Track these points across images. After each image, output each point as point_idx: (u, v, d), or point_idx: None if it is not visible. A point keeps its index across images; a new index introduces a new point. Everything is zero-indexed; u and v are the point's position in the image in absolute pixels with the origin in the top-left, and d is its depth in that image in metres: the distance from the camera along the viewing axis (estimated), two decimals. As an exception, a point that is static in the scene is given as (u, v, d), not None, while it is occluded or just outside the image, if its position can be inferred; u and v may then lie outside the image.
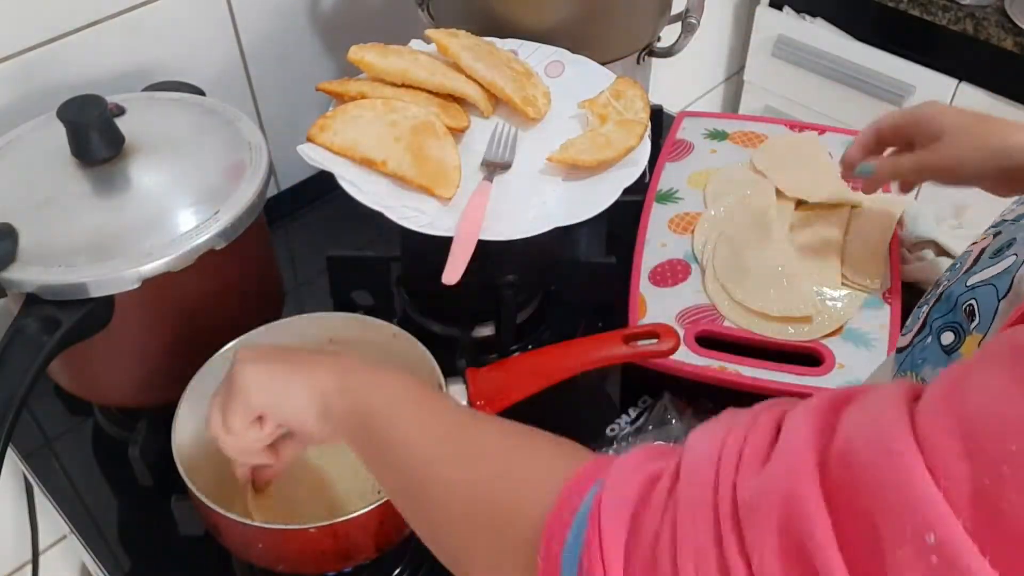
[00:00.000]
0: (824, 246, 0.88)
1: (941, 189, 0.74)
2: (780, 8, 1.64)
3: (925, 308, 0.50)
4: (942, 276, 0.52)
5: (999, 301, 0.40)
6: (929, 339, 0.46)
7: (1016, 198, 0.55)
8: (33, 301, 0.63)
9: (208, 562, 0.70)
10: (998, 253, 0.44)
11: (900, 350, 0.51)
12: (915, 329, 0.49)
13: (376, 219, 0.69)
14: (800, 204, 0.93)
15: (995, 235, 0.49)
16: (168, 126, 0.74)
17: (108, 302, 0.64)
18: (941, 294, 0.48)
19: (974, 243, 0.52)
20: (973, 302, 0.43)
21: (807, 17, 1.62)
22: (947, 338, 0.44)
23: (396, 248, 0.86)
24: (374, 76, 0.79)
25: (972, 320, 0.42)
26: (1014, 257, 0.42)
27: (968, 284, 0.44)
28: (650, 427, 0.74)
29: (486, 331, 0.84)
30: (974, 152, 0.70)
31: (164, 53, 0.88)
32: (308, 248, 1.00)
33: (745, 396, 0.78)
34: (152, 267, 0.63)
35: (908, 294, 0.84)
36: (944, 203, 0.96)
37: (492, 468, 0.42)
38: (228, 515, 0.59)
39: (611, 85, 0.81)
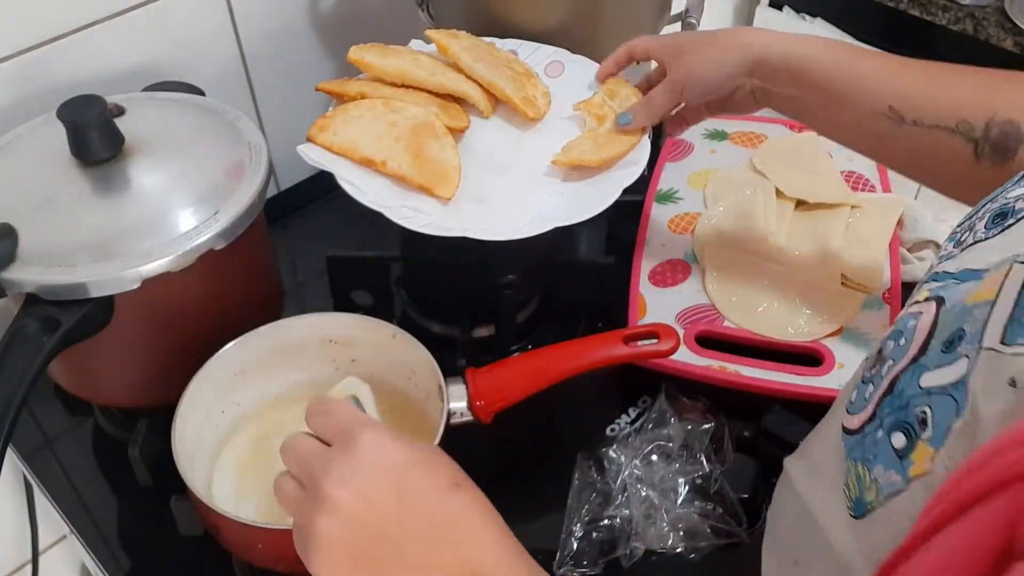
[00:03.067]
0: (824, 246, 0.88)
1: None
2: (780, 8, 1.64)
3: (872, 390, 0.47)
4: (885, 344, 0.49)
5: (956, 418, 0.39)
6: (880, 433, 0.44)
7: (958, 226, 0.53)
8: (33, 301, 0.63)
9: (208, 562, 0.70)
10: (950, 346, 0.42)
11: (848, 432, 0.48)
12: (864, 417, 0.46)
13: (376, 219, 0.69)
14: (800, 204, 0.93)
15: (937, 301, 0.46)
16: (168, 126, 0.74)
17: (108, 302, 0.64)
18: (892, 383, 0.45)
19: (915, 301, 0.49)
20: (927, 410, 0.41)
21: (807, 17, 1.62)
22: (898, 440, 0.42)
23: (396, 248, 0.86)
24: (374, 76, 0.79)
25: (924, 429, 0.41)
26: (966, 360, 0.39)
27: (922, 385, 0.42)
28: (650, 427, 0.74)
29: (486, 331, 0.84)
30: (717, 56, 0.72)
31: (164, 53, 0.88)
32: (308, 248, 1.00)
33: (745, 396, 0.78)
34: (152, 267, 0.63)
35: (908, 294, 0.84)
36: (944, 203, 0.96)
37: None
38: (228, 515, 0.59)
39: (604, 86, 0.82)
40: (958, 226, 0.52)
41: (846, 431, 0.48)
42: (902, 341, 0.47)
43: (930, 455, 0.40)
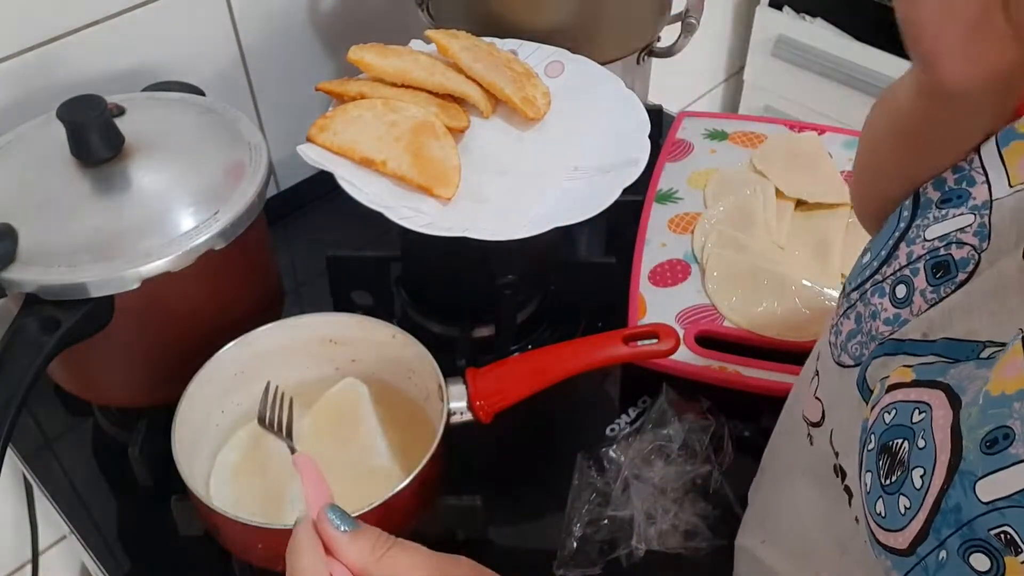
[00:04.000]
0: (824, 246, 0.88)
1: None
2: (780, 8, 1.64)
3: (907, 504, 0.41)
4: (894, 442, 0.42)
5: None
6: (943, 555, 0.39)
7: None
8: (33, 301, 0.63)
9: (208, 562, 0.70)
10: (992, 446, 0.37)
11: (893, 551, 0.42)
12: (911, 535, 0.41)
13: (376, 219, 0.69)
14: (800, 204, 0.93)
15: (945, 392, 0.41)
16: (168, 126, 0.74)
17: (108, 302, 0.64)
18: (939, 501, 0.39)
19: (900, 383, 0.43)
20: (1009, 530, 0.36)
21: (807, 17, 1.62)
22: (980, 562, 0.37)
23: (396, 248, 0.86)
24: (374, 76, 0.79)
25: (1015, 551, 0.35)
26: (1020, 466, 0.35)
27: (983, 500, 0.37)
28: (650, 427, 0.74)
29: (486, 331, 0.84)
30: None
31: (164, 53, 0.88)
32: (308, 248, 1.00)
33: (745, 396, 0.78)
34: (152, 267, 0.63)
35: (908, 294, 0.84)
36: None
37: None
38: (228, 515, 0.59)
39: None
40: (872, 274, 0.48)
41: (887, 549, 0.43)
42: (920, 443, 0.41)
43: None
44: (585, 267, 0.90)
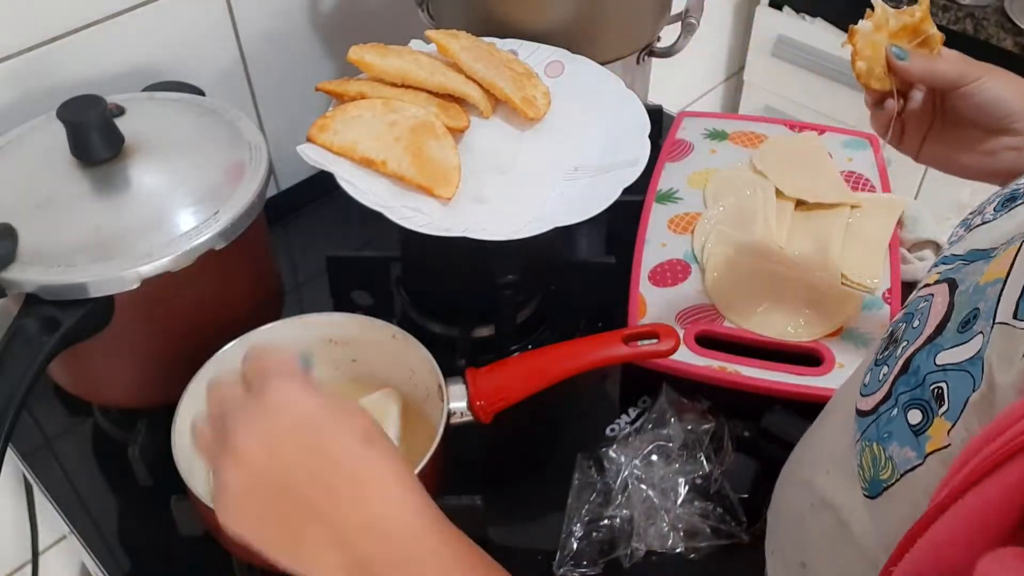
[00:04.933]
0: (824, 246, 0.88)
1: (941, 188, 0.73)
2: (780, 8, 1.64)
3: (886, 371, 0.47)
4: (897, 327, 0.49)
5: (972, 392, 0.39)
6: (895, 411, 0.45)
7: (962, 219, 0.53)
8: (33, 301, 0.63)
9: (208, 562, 0.70)
10: (966, 326, 0.42)
11: (861, 413, 0.48)
12: (879, 397, 0.47)
13: (376, 219, 0.69)
14: (800, 204, 0.93)
15: (949, 284, 0.46)
16: (168, 126, 0.74)
17: (108, 302, 0.64)
18: (907, 362, 0.45)
19: (926, 284, 0.49)
20: (943, 385, 0.41)
21: (807, 17, 1.62)
22: (914, 416, 0.43)
23: (396, 248, 0.86)
24: (374, 76, 0.79)
25: (941, 404, 0.41)
26: (981, 337, 0.40)
27: (938, 363, 0.43)
28: (649, 427, 0.74)
29: (486, 331, 0.84)
30: (1017, 82, 0.62)
31: (164, 53, 0.88)
32: (308, 248, 1.00)
33: (745, 396, 0.78)
34: (152, 267, 0.63)
35: (908, 294, 0.84)
36: (944, 203, 0.96)
37: None
38: (228, 515, 0.59)
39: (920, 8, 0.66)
40: (970, 213, 0.53)
41: (859, 412, 0.48)
42: (915, 323, 0.47)
43: (946, 429, 0.40)
44: (585, 267, 0.90)
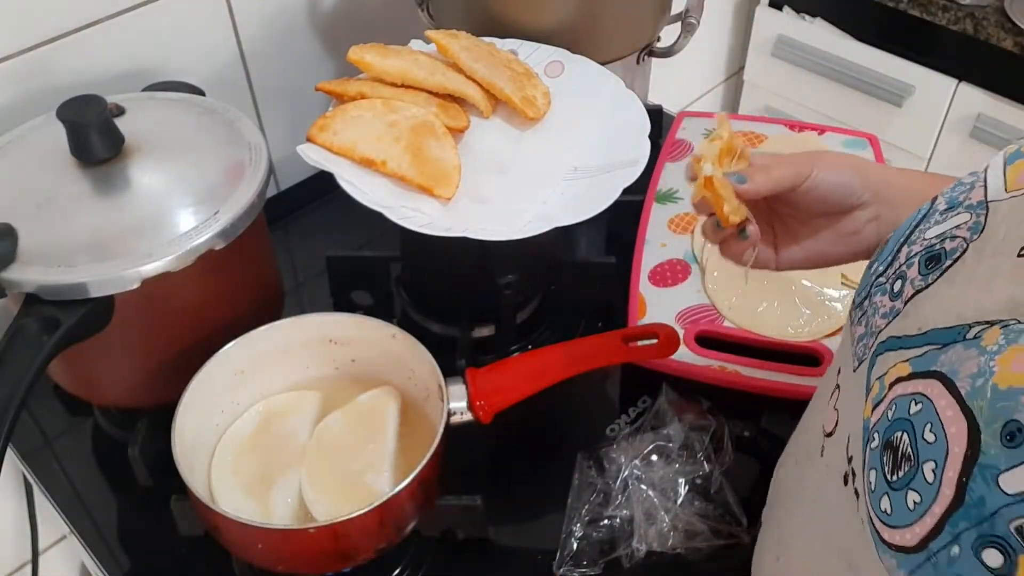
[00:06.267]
0: (824, 246, 0.88)
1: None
2: (780, 8, 1.64)
3: (918, 499, 0.41)
4: (893, 436, 0.43)
5: None
6: (956, 550, 0.39)
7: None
8: (33, 301, 0.63)
9: (208, 562, 0.70)
10: (1012, 439, 0.37)
11: (900, 549, 0.42)
12: (923, 532, 0.40)
13: (376, 219, 0.69)
14: (800, 204, 0.93)
15: (943, 381, 0.41)
16: (168, 126, 0.74)
17: (108, 302, 0.64)
18: (961, 495, 0.39)
19: (898, 379, 0.43)
20: None
21: (807, 17, 1.62)
22: (993, 558, 0.37)
23: (396, 248, 0.86)
24: (374, 76, 0.79)
25: None
26: None
27: (1008, 491, 0.37)
28: (650, 427, 0.74)
29: (486, 331, 0.84)
30: (846, 160, 0.61)
31: (164, 53, 0.88)
32: (308, 248, 1.00)
33: (745, 396, 0.78)
34: (152, 267, 0.63)
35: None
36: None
37: None
38: (228, 515, 0.59)
39: (720, 139, 0.62)
40: (876, 278, 0.49)
41: (893, 547, 0.42)
42: (928, 436, 0.41)
43: None
44: (585, 267, 0.90)
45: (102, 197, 0.67)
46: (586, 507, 0.70)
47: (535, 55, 0.87)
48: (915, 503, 0.41)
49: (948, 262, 0.44)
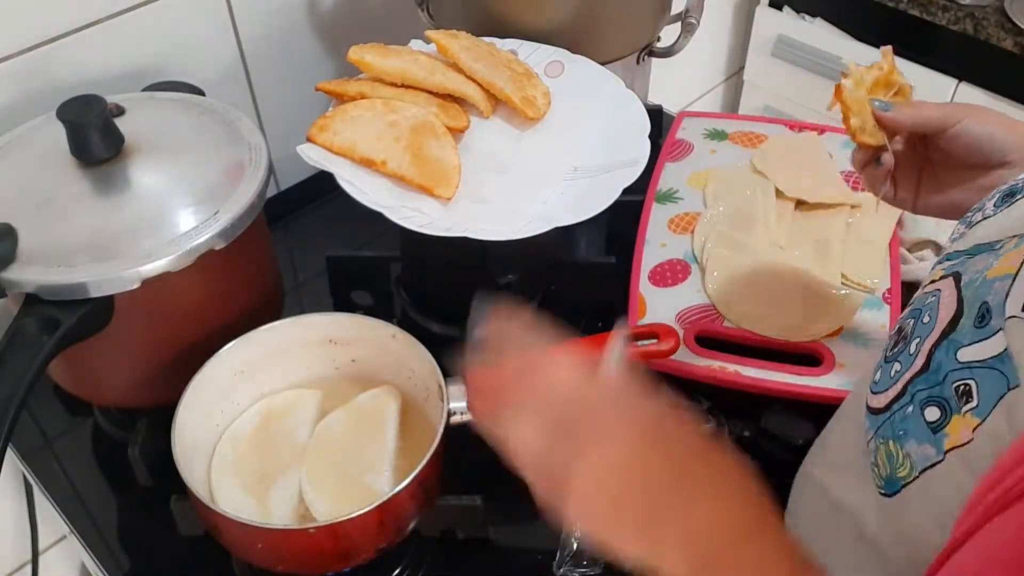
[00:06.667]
0: (824, 246, 0.88)
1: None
2: (780, 8, 1.64)
3: (898, 367, 0.47)
4: (905, 323, 0.49)
5: (1008, 391, 0.39)
6: (911, 409, 0.44)
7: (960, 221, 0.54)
8: (33, 301, 0.63)
9: (208, 562, 0.70)
10: (982, 320, 0.42)
11: (874, 411, 0.48)
12: (892, 395, 0.47)
13: (376, 219, 0.69)
14: (800, 204, 0.93)
15: (954, 277, 0.47)
16: (168, 126, 0.74)
17: (108, 302, 0.64)
18: (927, 363, 0.45)
19: (931, 280, 0.49)
20: (971, 383, 0.41)
21: (807, 17, 1.62)
22: (932, 413, 0.43)
23: (396, 248, 0.86)
24: (374, 76, 0.79)
25: (966, 401, 0.41)
26: (1003, 333, 0.40)
27: (960, 359, 0.42)
28: (650, 427, 0.74)
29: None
30: (1004, 121, 0.62)
31: (164, 53, 0.88)
32: (308, 248, 1.00)
33: (745, 396, 0.78)
34: (152, 267, 0.63)
35: (908, 294, 0.84)
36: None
37: None
38: (228, 515, 0.59)
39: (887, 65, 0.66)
40: (970, 211, 0.53)
41: (871, 410, 0.48)
42: (925, 319, 0.46)
43: (972, 426, 0.40)
44: (585, 267, 0.90)
45: (102, 197, 0.67)
46: (586, 507, 0.70)
47: (535, 55, 0.87)
48: (896, 372, 0.47)
49: (1019, 196, 0.48)
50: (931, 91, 1.47)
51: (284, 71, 0.99)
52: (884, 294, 0.84)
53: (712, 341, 0.81)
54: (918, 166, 0.65)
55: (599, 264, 0.88)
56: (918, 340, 0.46)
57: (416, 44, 0.85)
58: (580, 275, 0.89)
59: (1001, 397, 0.39)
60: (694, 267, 0.88)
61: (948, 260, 0.49)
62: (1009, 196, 0.49)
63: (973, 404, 0.41)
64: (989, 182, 0.62)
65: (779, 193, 0.94)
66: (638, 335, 0.73)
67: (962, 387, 0.41)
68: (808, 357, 0.80)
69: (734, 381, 0.78)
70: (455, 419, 0.66)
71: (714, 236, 0.89)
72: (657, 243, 0.91)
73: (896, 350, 0.49)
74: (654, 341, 0.73)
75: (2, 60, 0.78)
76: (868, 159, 0.64)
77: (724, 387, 0.78)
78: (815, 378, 0.77)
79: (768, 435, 0.76)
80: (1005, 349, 0.40)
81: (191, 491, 0.61)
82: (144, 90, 0.79)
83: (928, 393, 0.44)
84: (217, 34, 0.91)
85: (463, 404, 0.67)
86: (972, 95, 1.43)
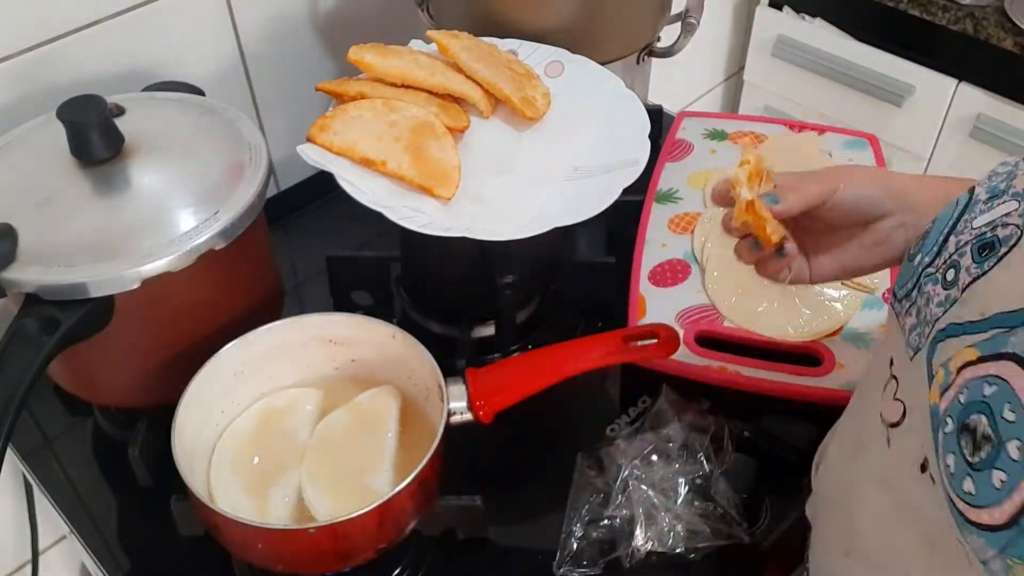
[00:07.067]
0: (824, 246, 0.88)
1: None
2: (780, 8, 1.64)
3: (1005, 478, 0.42)
4: (972, 419, 0.44)
5: None
6: None
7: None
8: (33, 301, 0.63)
9: (208, 562, 0.70)
10: None
11: (987, 528, 0.43)
12: (1013, 510, 0.41)
13: (376, 219, 0.69)
14: (800, 204, 0.93)
15: (1018, 362, 0.42)
16: (168, 126, 0.74)
17: (108, 302, 0.64)
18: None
19: (968, 363, 0.44)
20: None
21: (807, 17, 1.62)
22: None
23: (396, 248, 0.86)
24: (374, 76, 0.79)
25: None
26: None
27: None
28: (649, 427, 0.74)
29: (486, 331, 0.84)
30: (871, 174, 0.63)
31: (164, 53, 0.88)
32: (308, 248, 1.00)
33: (745, 396, 0.78)
34: (152, 267, 0.63)
35: (908, 294, 0.84)
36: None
37: None
38: (228, 515, 0.59)
39: (749, 163, 0.63)
40: (924, 268, 0.50)
41: (982, 527, 0.43)
42: (1009, 415, 0.42)
43: None
44: (585, 267, 0.90)
45: (102, 197, 0.67)
46: (586, 507, 0.70)
47: (535, 55, 0.87)
48: (1001, 482, 0.42)
49: (1004, 249, 0.45)
50: (931, 91, 1.47)
51: (284, 71, 0.99)
52: (884, 294, 0.84)
53: (712, 341, 0.81)
54: (798, 238, 0.65)
55: (599, 264, 0.88)
56: (1017, 443, 0.41)
57: (416, 44, 0.85)
58: (580, 275, 0.89)
59: None
60: (694, 267, 0.88)
61: (964, 334, 0.45)
62: (987, 249, 0.46)
63: None
64: (872, 237, 0.62)
65: (779, 193, 0.93)
66: (638, 335, 0.73)
67: None
68: (808, 357, 0.80)
69: (734, 381, 0.78)
70: (455, 419, 0.67)
71: (714, 236, 0.89)
72: (657, 243, 0.91)
73: (987, 456, 0.43)
74: (654, 341, 0.73)
75: (2, 60, 0.78)
76: (769, 255, 0.63)
77: (724, 387, 0.78)
78: (815, 378, 0.77)
79: (768, 435, 0.76)
80: None
81: (191, 491, 0.61)
82: (144, 90, 0.79)
83: None
84: (217, 34, 0.92)
85: (463, 404, 0.67)
86: (972, 95, 1.43)
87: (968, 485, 0.44)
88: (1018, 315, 0.43)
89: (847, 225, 0.63)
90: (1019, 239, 0.45)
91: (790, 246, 0.62)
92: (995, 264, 0.46)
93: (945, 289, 0.48)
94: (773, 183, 0.62)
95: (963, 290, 0.47)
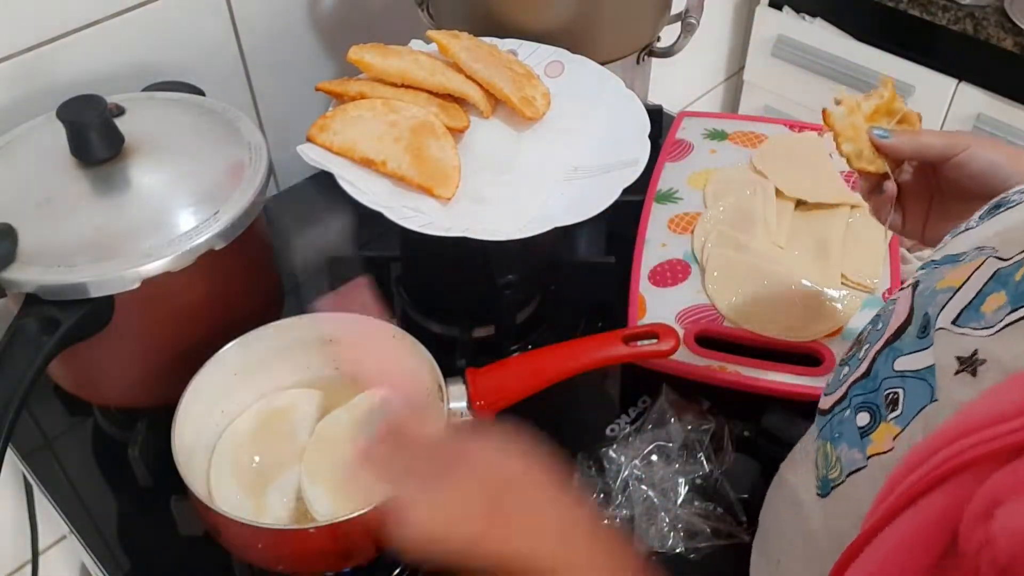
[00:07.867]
0: (824, 246, 0.88)
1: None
2: (780, 8, 1.64)
3: (847, 371, 0.48)
4: (864, 331, 0.50)
5: (928, 404, 0.39)
6: (847, 413, 0.45)
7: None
8: (33, 301, 0.63)
9: (208, 562, 0.70)
10: (924, 331, 0.42)
11: (821, 412, 0.49)
12: (836, 397, 0.47)
13: (376, 219, 0.69)
14: (800, 204, 0.93)
15: (913, 287, 0.47)
16: (168, 126, 0.74)
17: (108, 302, 0.64)
18: (869, 369, 0.45)
19: (901, 288, 0.49)
20: (899, 392, 0.42)
21: (807, 17, 1.62)
22: (863, 418, 0.43)
23: (396, 248, 0.86)
24: (374, 76, 0.79)
25: (892, 409, 0.41)
26: (931, 349, 0.40)
27: (896, 369, 0.43)
28: (650, 427, 0.74)
29: (486, 331, 0.84)
30: (1005, 150, 0.60)
31: (164, 53, 0.88)
32: (308, 248, 1.00)
33: (745, 396, 0.78)
34: (152, 267, 0.63)
35: (908, 294, 0.84)
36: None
37: None
38: (228, 515, 0.59)
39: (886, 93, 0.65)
40: (963, 223, 0.53)
41: (820, 412, 0.49)
42: (879, 325, 0.47)
43: (893, 434, 0.41)
44: (585, 267, 0.90)
45: (102, 197, 0.67)
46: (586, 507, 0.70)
47: (535, 55, 0.87)
48: (843, 375, 0.48)
49: (1003, 209, 0.47)
50: (931, 91, 1.47)
51: (284, 71, 0.99)
52: (884, 294, 0.84)
53: (712, 341, 0.81)
54: (928, 196, 0.64)
55: (599, 264, 0.88)
56: (868, 346, 0.47)
57: (416, 44, 0.85)
58: (580, 275, 0.89)
59: (922, 409, 0.40)
60: (694, 267, 0.88)
61: (922, 269, 0.49)
62: (994, 208, 0.49)
63: (897, 413, 0.41)
64: None
65: (779, 193, 0.94)
66: (638, 335, 0.73)
67: (891, 395, 0.42)
68: (808, 357, 0.80)
69: (734, 381, 0.78)
70: (455, 419, 0.67)
71: (714, 236, 0.89)
72: (657, 243, 0.91)
73: (850, 354, 0.49)
74: (654, 341, 0.73)
75: (2, 60, 0.78)
76: (871, 186, 0.64)
77: (724, 387, 0.78)
78: (815, 378, 0.77)
79: (768, 435, 0.76)
80: (935, 362, 0.40)
81: (191, 491, 0.61)
82: (144, 90, 0.79)
83: (864, 399, 0.44)
84: (217, 34, 0.92)
85: (463, 404, 0.67)
86: (972, 95, 1.43)
87: (831, 378, 0.51)
88: (953, 258, 0.46)
89: (973, 193, 0.60)
90: (1019, 204, 0.47)
91: (888, 184, 0.62)
92: (988, 219, 0.48)
93: (948, 237, 0.51)
94: (916, 126, 0.63)
95: (955, 236, 0.50)
